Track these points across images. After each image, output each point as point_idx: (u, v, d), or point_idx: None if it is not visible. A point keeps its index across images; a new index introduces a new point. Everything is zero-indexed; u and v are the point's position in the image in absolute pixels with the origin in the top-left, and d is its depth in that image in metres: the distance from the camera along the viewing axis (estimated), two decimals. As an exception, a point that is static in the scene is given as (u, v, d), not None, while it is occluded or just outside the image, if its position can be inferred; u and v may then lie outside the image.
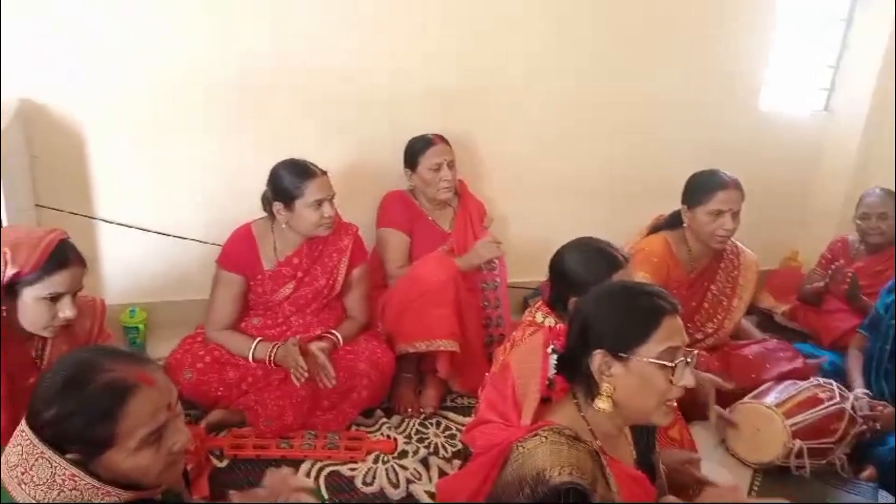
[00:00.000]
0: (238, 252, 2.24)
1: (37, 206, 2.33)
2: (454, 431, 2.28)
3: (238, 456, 2.06)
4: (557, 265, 1.81)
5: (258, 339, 2.21)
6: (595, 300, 1.33)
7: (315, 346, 2.17)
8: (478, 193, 2.76)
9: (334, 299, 2.36)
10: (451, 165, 2.53)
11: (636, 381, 1.25)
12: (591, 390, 1.29)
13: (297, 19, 2.44)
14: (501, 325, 2.57)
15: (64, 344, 1.70)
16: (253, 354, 2.18)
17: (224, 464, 2.03)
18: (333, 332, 2.28)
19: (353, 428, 2.24)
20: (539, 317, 1.81)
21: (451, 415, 2.36)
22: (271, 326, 2.28)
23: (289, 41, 2.46)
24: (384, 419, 2.30)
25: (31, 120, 2.24)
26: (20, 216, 2.11)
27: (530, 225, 2.97)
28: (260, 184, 2.22)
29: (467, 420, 2.29)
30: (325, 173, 2.21)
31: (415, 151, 2.54)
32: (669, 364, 1.24)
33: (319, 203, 2.16)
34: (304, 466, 2.04)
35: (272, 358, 2.17)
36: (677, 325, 1.26)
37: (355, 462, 2.08)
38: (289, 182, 2.16)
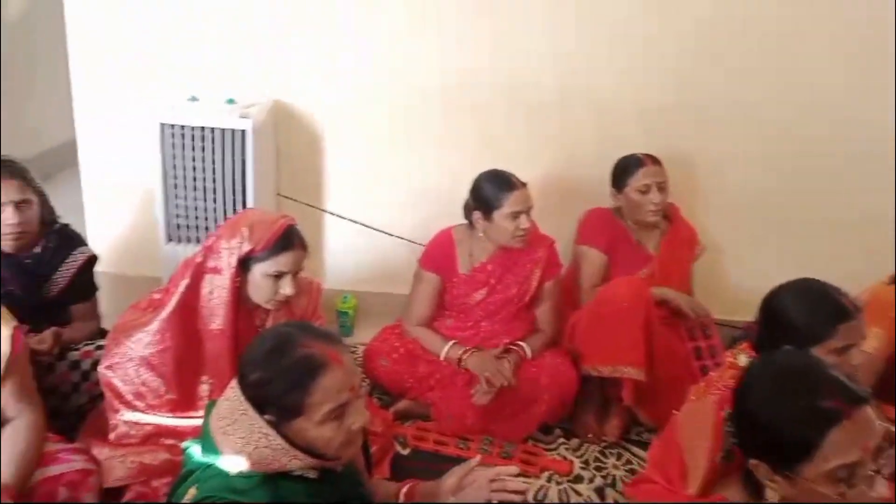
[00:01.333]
0: (437, 254, 2.35)
1: (278, 195, 2.65)
2: (635, 466, 2.15)
3: (419, 447, 2.15)
4: (772, 305, 1.59)
5: (453, 340, 2.28)
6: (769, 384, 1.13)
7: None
8: (691, 219, 2.59)
9: (524, 309, 2.36)
10: (661, 188, 2.40)
11: (805, 495, 1.06)
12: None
13: (515, 37, 2.50)
14: (716, 355, 2.36)
15: (283, 317, 1.91)
16: (446, 354, 2.26)
17: (406, 451, 2.14)
18: (521, 343, 2.29)
19: (530, 442, 2.22)
20: (742, 359, 1.63)
21: (634, 448, 2.24)
22: (462, 329, 2.35)
23: (505, 57, 2.52)
24: (562, 440, 2.25)
25: (280, 118, 2.55)
26: (263, 203, 2.43)
27: (747, 260, 2.71)
28: (466, 192, 2.31)
29: (651, 456, 2.17)
30: (524, 185, 2.22)
31: (623, 171, 2.45)
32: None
33: (516, 215, 2.18)
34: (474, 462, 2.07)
35: (463, 361, 2.23)
36: (852, 432, 1.03)
37: (528, 476, 2.06)
38: (489, 192, 2.22)
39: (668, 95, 2.54)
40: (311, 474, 1.22)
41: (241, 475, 1.17)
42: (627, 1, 2.44)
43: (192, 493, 1.18)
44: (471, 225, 2.30)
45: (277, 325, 1.36)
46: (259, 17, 2.44)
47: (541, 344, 2.33)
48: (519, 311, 2.35)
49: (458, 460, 2.05)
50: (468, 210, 2.30)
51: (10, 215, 1.87)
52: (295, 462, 1.18)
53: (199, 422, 1.77)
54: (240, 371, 1.22)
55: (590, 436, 2.26)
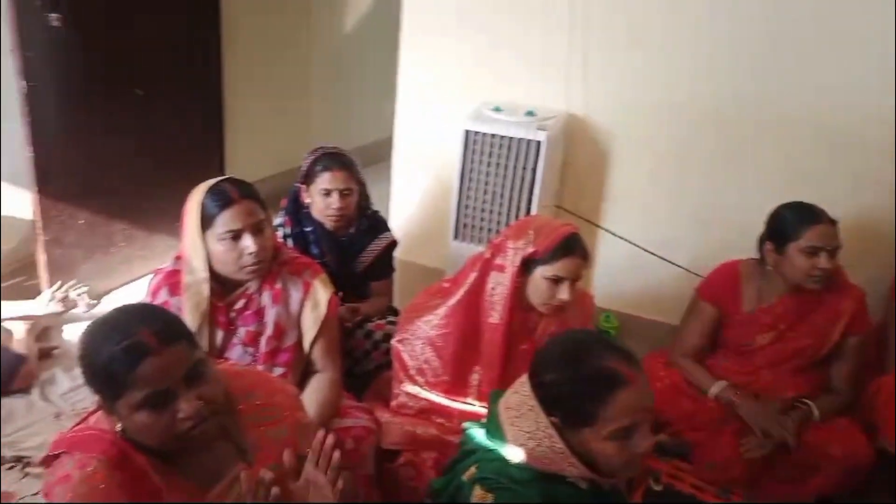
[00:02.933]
0: (720, 286, 2.19)
1: (556, 206, 2.72)
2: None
3: (674, 486, 2.04)
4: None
5: (726, 382, 2.12)
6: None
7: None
8: None
9: (817, 364, 2.10)
10: None
11: None
12: None
13: (831, 57, 2.26)
14: None
15: (553, 324, 1.95)
16: (716, 394, 2.11)
17: (659, 488, 2.04)
18: (809, 402, 2.04)
19: (805, 513, 1.98)
20: None
21: (938, 550, 1.87)
22: (739, 373, 2.15)
23: (819, 78, 2.30)
24: (847, 520, 1.98)
25: (570, 131, 2.61)
26: (543, 213, 2.50)
27: None
28: (759, 224, 2.14)
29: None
30: (833, 223, 1.98)
31: None
32: None
33: (815, 251, 1.95)
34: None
35: (737, 406, 2.06)
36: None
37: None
38: (787, 222, 2.02)
39: None
40: (583, 484, 1.23)
41: (519, 466, 1.22)
42: None
43: (472, 471, 1.26)
44: (762, 259, 2.13)
45: (575, 331, 1.39)
46: (559, 33, 2.52)
47: (833, 407, 2.06)
48: (810, 365, 2.10)
49: None
50: (761, 242, 2.12)
51: (335, 200, 2.18)
52: (571, 469, 1.19)
53: (468, 407, 1.92)
54: (533, 369, 1.26)
55: (888, 524, 1.95)
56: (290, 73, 4.02)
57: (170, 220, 3.04)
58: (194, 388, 1.11)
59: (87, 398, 2.24)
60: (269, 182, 3.33)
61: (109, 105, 2.71)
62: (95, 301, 2.82)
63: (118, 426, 1.13)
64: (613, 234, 2.71)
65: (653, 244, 2.67)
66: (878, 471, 1.96)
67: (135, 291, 2.95)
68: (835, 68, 2.28)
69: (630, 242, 2.69)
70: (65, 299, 2.47)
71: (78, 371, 2.33)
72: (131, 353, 1.06)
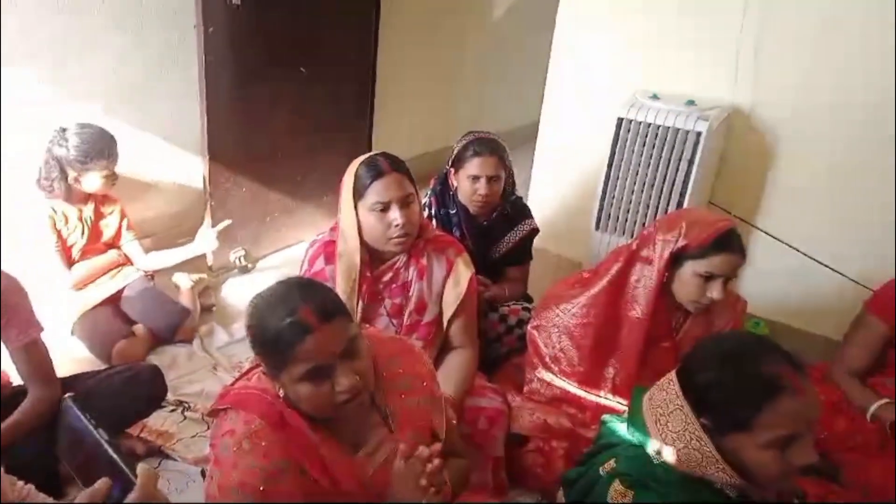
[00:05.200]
0: (892, 300, 1.98)
1: (710, 202, 2.57)
2: None
3: (822, 508, 1.88)
4: None
5: (886, 399, 1.93)
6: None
7: None
8: None
9: None
10: None
11: None
12: None
13: None
14: None
15: (701, 325, 1.85)
16: (874, 412, 1.93)
17: (796, 502, 1.90)
18: None
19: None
20: None
21: None
22: (904, 394, 1.96)
23: None
24: None
25: (732, 126, 2.46)
26: (692, 206, 2.37)
27: None
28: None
29: None
30: None
31: None
32: None
33: None
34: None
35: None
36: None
37: None
38: None
39: None
40: (731, 492, 1.16)
41: (664, 466, 1.17)
42: None
43: (611, 464, 1.22)
44: (948, 277, 1.90)
45: (736, 332, 1.31)
46: (730, 18, 2.36)
47: None
48: None
49: None
50: (947, 256, 1.89)
51: (482, 186, 2.18)
52: (720, 475, 1.12)
53: (601, 400, 1.88)
54: (685, 367, 1.20)
55: None
56: (441, 57, 4.10)
57: (318, 193, 3.22)
58: (350, 362, 1.16)
59: (242, 353, 2.43)
60: (413, 162, 3.40)
61: (276, 82, 2.89)
62: (251, 265, 3.05)
63: (280, 390, 1.21)
64: (773, 236, 2.52)
65: (814, 250, 2.46)
66: None
67: (286, 258, 3.14)
68: None
69: (790, 246, 2.49)
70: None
71: (234, 327, 2.55)
72: (294, 330, 1.12)
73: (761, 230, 2.54)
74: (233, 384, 1.31)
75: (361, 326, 1.32)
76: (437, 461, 1.16)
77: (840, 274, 2.42)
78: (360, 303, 1.78)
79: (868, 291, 2.10)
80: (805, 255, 2.48)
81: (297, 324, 1.12)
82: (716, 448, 1.12)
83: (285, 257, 3.15)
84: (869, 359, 2.02)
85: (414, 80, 3.90)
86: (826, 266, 2.44)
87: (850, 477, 1.92)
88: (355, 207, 1.73)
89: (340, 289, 1.74)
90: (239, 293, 2.81)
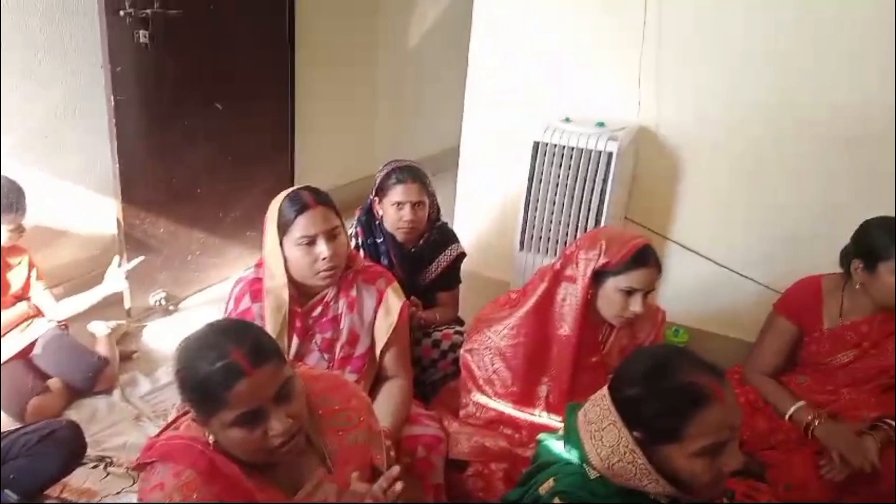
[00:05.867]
0: (800, 302, 2.12)
1: (625, 218, 2.68)
2: None
3: (749, 506, 1.97)
4: None
5: (802, 402, 2.05)
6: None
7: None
8: None
9: (902, 385, 2.02)
10: None
11: None
12: None
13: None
14: None
15: (625, 338, 1.92)
16: (791, 414, 2.04)
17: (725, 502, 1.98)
18: (892, 422, 1.95)
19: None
20: None
21: None
22: (818, 392, 2.08)
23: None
24: (931, 549, 1.87)
25: (641, 144, 2.58)
26: (611, 225, 2.47)
27: None
28: (843, 238, 2.06)
29: None
30: None
31: None
32: None
33: None
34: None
35: (814, 428, 1.99)
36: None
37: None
38: (879, 241, 1.93)
39: None
40: (664, 501, 1.20)
41: (599, 481, 1.20)
42: None
43: (549, 483, 1.24)
44: (847, 275, 2.04)
45: (660, 345, 1.37)
46: (631, 44, 2.50)
47: (918, 429, 1.96)
48: (893, 385, 2.01)
49: None
50: (846, 258, 2.04)
51: (407, 213, 2.20)
52: (653, 486, 1.16)
53: (536, 419, 1.91)
54: (615, 383, 1.24)
55: (974, 556, 1.83)
56: (358, 87, 4.12)
57: (241, 230, 3.16)
58: (284, 405, 1.14)
59: (167, 400, 2.33)
60: (337, 192, 3.39)
61: (191, 118, 2.83)
62: (173, 307, 2.95)
63: (210, 437, 1.17)
64: (685, 247, 2.65)
65: (725, 258, 2.60)
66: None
67: (210, 297, 3.06)
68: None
69: (702, 256, 2.63)
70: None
71: (158, 373, 2.45)
72: (225, 374, 1.10)
73: (674, 241, 2.67)
74: (159, 434, 1.26)
75: (294, 364, 1.30)
76: (398, 485, 1.16)
77: (748, 278, 2.57)
78: (292, 340, 1.76)
79: (777, 294, 2.22)
80: (715, 262, 2.62)
81: (228, 368, 1.10)
82: (649, 460, 1.16)
83: (209, 297, 3.07)
84: (781, 358, 2.14)
85: (332, 111, 3.90)
86: (735, 272, 2.59)
87: (774, 474, 2.02)
88: (281, 243, 1.71)
89: (270, 327, 1.71)
90: (162, 337, 2.71)
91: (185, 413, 1.25)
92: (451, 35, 3.68)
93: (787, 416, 2.04)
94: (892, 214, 1.99)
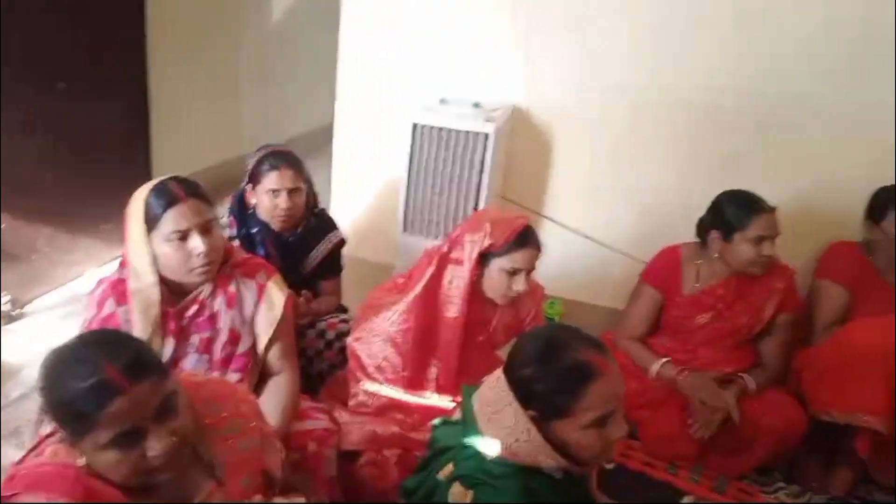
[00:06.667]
0: (662, 270, 2.28)
1: (502, 197, 2.74)
2: (868, 527, 1.96)
3: (626, 464, 2.11)
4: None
5: (666, 358, 2.22)
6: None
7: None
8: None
9: (750, 341, 2.23)
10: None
11: None
12: None
13: (764, 50, 2.37)
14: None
15: (509, 315, 1.98)
16: (657, 371, 2.20)
17: (611, 466, 2.10)
18: (745, 376, 2.16)
19: (745, 481, 2.10)
20: None
21: (864, 508, 2.03)
22: (679, 351, 2.26)
23: (753, 70, 2.40)
24: (781, 484, 2.11)
25: (515, 122, 2.64)
26: (490, 204, 2.52)
27: None
28: (699, 209, 2.23)
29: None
30: (773, 210, 2.10)
31: (883, 203, 2.22)
32: None
33: (760, 240, 2.07)
34: (687, 499, 2.00)
35: (678, 382, 2.15)
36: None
37: (741, 517, 1.95)
38: (734, 213, 2.12)
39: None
40: (558, 474, 1.25)
41: (497, 461, 1.23)
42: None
43: (448, 469, 1.26)
44: (703, 244, 2.22)
45: (549, 325, 1.42)
46: (503, 23, 2.54)
47: (764, 380, 2.18)
48: (744, 342, 2.23)
49: (665, 486, 2.04)
50: (704, 229, 2.21)
51: (283, 200, 2.11)
52: (549, 461, 1.21)
53: (427, 401, 1.92)
54: (509, 365, 1.27)
55: (813, 485, 2.09)
56: (218, 65, 3.87)
57: (93, 222, 2.89)
58: (165, 422, 1.06)
59: (19, 417, 2.10)
60: (202, 175, 3.20)
61: (31, 103, 2.54)
62: (19, 310, 2.65)
63: (81, 460, 1.06)
64: (557, 222, 2.76)
65: (595, 232, 2.74)
66: (811, 437, 2.10)
67: (63, 297, 2.78)
68: (768, 54, 2.38)
69: (573, 230, 2.75)
70: None
71: (8, 386, 2.20)
72: (99, 392, 1.00)
73: (547, 218, 2.77)
74: (21, 461, 1.13)
75: (175, 373, 1.21)
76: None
77: (616, 251, 2.72)
78: (166, 343, 1.64)
79: (643, 263, 2.37)
80: (586, 236, 2.75)
81: (102, 385, 1.00)
82: (544, 437, 1.20)
83: (62, 297, 2.79)
84: (647, 323, 2.30)
85: (191, 91, 3.64)
86: (605, 245, 2.73)
87: (644, 431, 2.18)
88: (148, 239, 1.58)
89: (139, 330, 1.58)
90: (11, 346, 2.43)
91: (50, 435, 1.12)
92: (318, 3, 3.53)
93: (654, 374, 2.20)
94: (743, 189, 2.16)
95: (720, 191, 2.19)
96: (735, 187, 2.18)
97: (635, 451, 2.17)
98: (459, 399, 1.41)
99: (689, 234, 2.27)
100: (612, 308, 2.62)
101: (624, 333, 2.32)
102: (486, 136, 2.35)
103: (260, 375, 1.78)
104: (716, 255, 2.17)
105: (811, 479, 2.11)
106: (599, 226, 2.73)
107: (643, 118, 2.55)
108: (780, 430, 2.07)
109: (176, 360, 1.66)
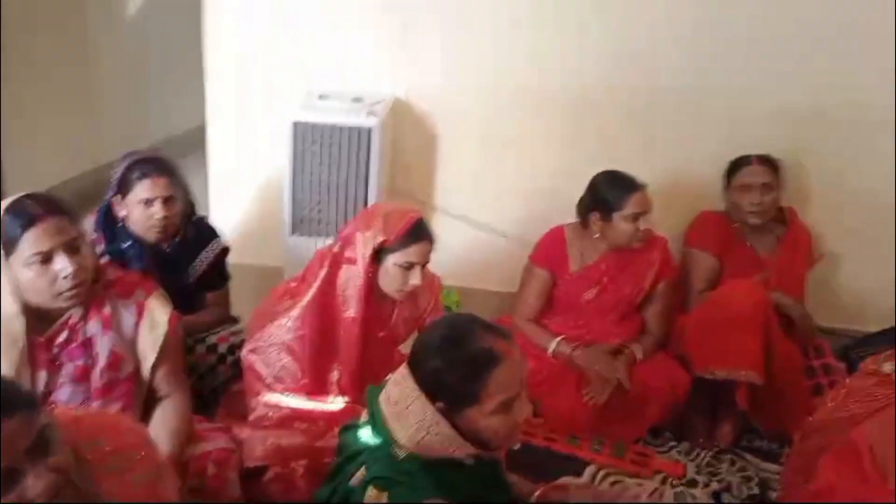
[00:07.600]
0: (549, 250, 2.37)
1: (390, 190, 2.70)
2: (750, 474, 2.12)
3: (530, 442, 2.17)
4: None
5: (561, 336, 2.30)
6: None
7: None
8: (810, 223, 2.54)
9: (634, 310, 2.36)
10: (767, 189, 2.36)
11: None
12: None
13: (632, 37, 2.50)
14: (830, 373, 2.32)
15: (406, 309, 1.97)
16: (553, 349, 2.28)
17: (516, 447, 2.16)
18: (633, 345, 2.28)
19: (641, 444, 2.22)
20: (887, 367, 1.59)
21: (748, 455, 2.20)
22: (572, 327, 2.35)
23: (622, 57, 2.52)
24: (673, 443, 2.25)
25: (397, 114, 2.61)
26: (378, 198, 2.49)
27: (865, 271, 2.63)
28: (579, 190, 2.32)
29: (766, 465, 2.15)
30: (644, 187, 2.23)
31: (730, 170, 2.44)
32: None
33: (636, 217, 2.19)
34: (590, 469, 2.06)
35: (574, 357, 2.24)
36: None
37: (640, 478, 2.06)
38: (609, 193, 2.22)
39: (789, 96, 2.50)
40: (469, 461, 1.27)
41: (408, 458, 1.22)
42: (750, 2, 2.43)
43: (360, 473, 1.23)
44: (584, 224, 2.31)
45: (449, 316, 1.41)
46: (377, 14, 2.51)
47: (650, 344, 2.32)
48: (629, 312, 2.36)
49: (568, 458, 2.12)
50: (583, 210, 2.30)
51: (157, 210, 1.98)
52: (460, 451, 1.22)
53: (329, 406, 1.88)
54: (413, 359, 1.26)
55: (701, 440, 2.24)
56: (73, 66, 3.58)
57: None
58: (43, 459, 0.96)
59: None
60: (60, 189, 2.95)
61: None
62: None
63: None
64: (446, 212, 2.77)
65: (484, 218, 2.77)
66: (695, 395, 2.25)
67: None
68: (636, 50, 2.51)
69: (462, 218, 2.77)
70: None
71: None
72: None
73: (437, 208, 2.78)
74: None
75: (48, 408, 1.11)
76: None
77: (504, 235, 2.77)
78: (35, 375, 1.49)
79: (531, 246, 2.43)
80: (474, 223, 2.78)
81: None
82: (453, 426, 1.21)
83: None
84: (540, 303, 2.37)
85: (45, 98, 3.33)
86: (493, 230, 2.77)
87: (546, 409, 2.25)
88: (7, 264, 1.44)
89: (5, 366, 1.43)
90: None
91: None
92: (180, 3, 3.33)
93: (549, 352, 2.28)
94: (617, 169, 2.27)
95: (597, 171, 2.29)
96: (610, 168, 2.28)
97: (537, 428, 2.23)
98: (364, 401, 1.39)
99: (571, 215, 2.35)
100: (506, 292, 2.67)
101: (520, 315, 2.38)
102: (370, 130, 2.32)
103: (147, 400, 1.67)
104: (597, 235, 2.27)
105: (698, 435, 2.26)
106: (488, 213, 2.76)
107: (522, 104, 2.60)
108: (667, 392, 2.21)
109: (49, 393, 1.52)
